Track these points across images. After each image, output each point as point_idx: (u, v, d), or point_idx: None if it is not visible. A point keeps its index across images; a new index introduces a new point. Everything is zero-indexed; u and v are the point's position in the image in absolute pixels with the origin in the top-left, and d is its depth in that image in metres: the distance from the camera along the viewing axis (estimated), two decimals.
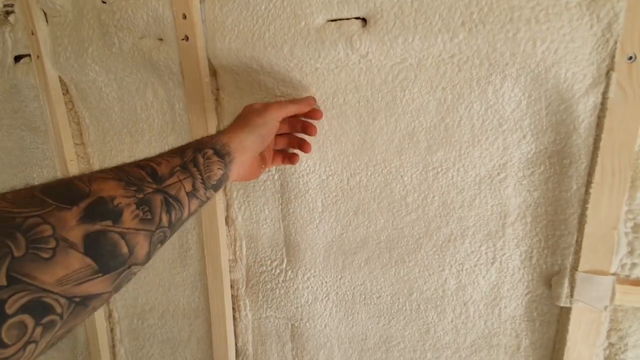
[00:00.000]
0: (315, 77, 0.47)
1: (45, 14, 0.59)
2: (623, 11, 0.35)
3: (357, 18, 0.43)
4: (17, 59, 0.67)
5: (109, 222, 0.25)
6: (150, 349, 0.72)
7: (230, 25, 0.47)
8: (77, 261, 0.23)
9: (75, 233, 0.23)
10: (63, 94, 0.64)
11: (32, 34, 0.60)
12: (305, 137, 0.48)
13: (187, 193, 0.32)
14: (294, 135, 0.48)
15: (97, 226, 0.24)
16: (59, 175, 0.66)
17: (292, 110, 0.44)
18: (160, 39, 0.52)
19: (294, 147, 0.49)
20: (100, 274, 0.24)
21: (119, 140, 0.63)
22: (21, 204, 0.22)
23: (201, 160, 0.34)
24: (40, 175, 0.72)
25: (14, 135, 0.73)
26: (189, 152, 0.34)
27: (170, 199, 0.30)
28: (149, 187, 0.29)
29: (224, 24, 0.48)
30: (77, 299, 0.23)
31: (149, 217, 0.28)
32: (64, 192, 0.24)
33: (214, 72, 0.53)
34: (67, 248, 0.22)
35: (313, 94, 0.48)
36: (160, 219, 0.29)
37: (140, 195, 0.28)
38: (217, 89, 0.54)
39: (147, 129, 0.60)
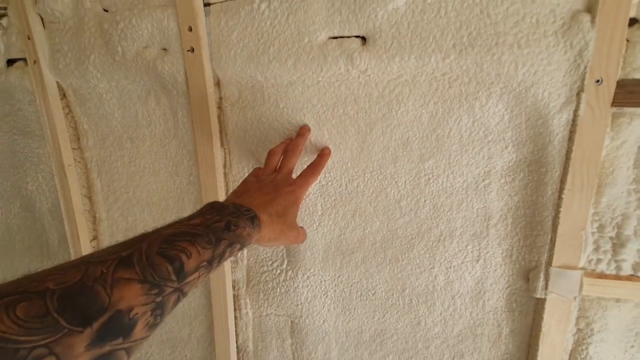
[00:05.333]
0: (316, 90, 0.50)
1: (42, 18, 0.59)
2: (593, 40, 0.40)
3: (357, 37, 0.47)
4: (9, 62, 0.66)
5: (120, 340, 0.24)
6: (150, 348, 0.74)
7: (236, 38, 0.50)
8: None
9: None
10: (60, 98, 0.64)
11: (29, 38, 0.60)
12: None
13: (197, 285, 0.31)
14: None
15: (107, 347, 0.23)
16: (56, 182, 0.66)
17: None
18: (165, 49, 0.54)
19: None
20: None
21: (119, 145, 0.63)
22: (31, 328, 0.21)
23: (227, 254, 0.34)
24: (35, 179, 0.72)
25: (5, 139, 0.72)
26: (223, 244, 0.33)
27: (182, 296, 0.29)
28: (170, 287, 0.27)
29: (229, 38, 0.50)
30: None
31: (158, 321, 0.27)
32: (81, 306, 0.23)
33: (217, 82, 0.55)
34: None
35: (314, 105, 0.51)
36: (165, 317, 0.28)
37: (160, 299, 0.26)
38: (220, 98, 0.56)
39: (148, 135, 0.61)
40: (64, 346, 0.21)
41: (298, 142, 0.50)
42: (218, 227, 0.33)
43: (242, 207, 0.38)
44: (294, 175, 0.49)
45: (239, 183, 0.48)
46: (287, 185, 0.46)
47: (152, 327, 0.26)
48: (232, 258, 0.36)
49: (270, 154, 0.50)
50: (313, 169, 0.50)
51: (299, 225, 0.56)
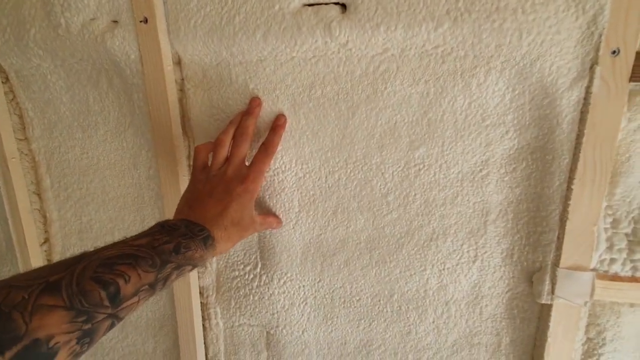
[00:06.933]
0: (291, 67, 0.44)
1: None
2: (608, 3, 0.34)
3: (336, 3, 0.40)
4: None
5: None
6: None
7: (196, 6, 0.43)
8: None
9: None
10: (2, 82, 0.56)
11: None
12: None
13: (136, 309, 0.29)
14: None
15: None
16: None
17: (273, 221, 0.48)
18: (115, 21, 0.46)
19: None
20: None
21: (69, 135, 0.56)
22: None
23: (174, 277, 0.32)
24: None
25: None
26: (169, 267, 0.31)
27: (117, 321, 0.27)
28: (102, 314, 0.26)
29: (188, 6, 0.43)
30: None
31: (85, 349, 0.26)
32: None
33: (178, 60, 0.48)
34: None
35: (288, 85, 0.45)
36: (94, 344, 0.26)
37: (87, 327, 0.25)
38: (182, 79, 0.49)
39: (101, 122, 0.54)
40: None
41: (247, 123, 0.43)
42: (166, 248, 0.32)
43: (196, 227, 0.36)
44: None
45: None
46: (240, 183, 0.41)
47: (77, 355, 0.25)
48: (181, 278, 0.35)
49: (217, 144, 0.43)
50: (266, 151, 0.43)
51: (266, 211, 0.50)
